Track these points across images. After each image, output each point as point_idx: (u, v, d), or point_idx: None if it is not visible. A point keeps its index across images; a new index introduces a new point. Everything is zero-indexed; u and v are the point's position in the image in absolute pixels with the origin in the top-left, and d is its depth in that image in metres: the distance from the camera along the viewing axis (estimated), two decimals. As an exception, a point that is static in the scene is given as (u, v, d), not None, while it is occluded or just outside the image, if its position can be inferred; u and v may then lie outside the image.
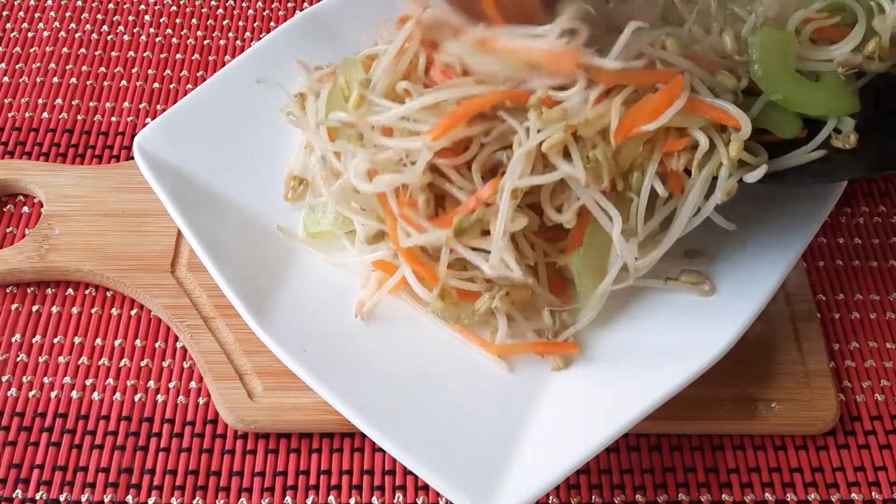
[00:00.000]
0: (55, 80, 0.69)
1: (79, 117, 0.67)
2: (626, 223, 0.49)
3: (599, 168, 0.48)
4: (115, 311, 0.57)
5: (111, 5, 0.74)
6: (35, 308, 0.57)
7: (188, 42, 0.72)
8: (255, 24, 0.74)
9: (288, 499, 0.51)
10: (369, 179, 0.50)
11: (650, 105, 0.48)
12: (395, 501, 0.51)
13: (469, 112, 0.48)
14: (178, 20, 0.73)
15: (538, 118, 0.47)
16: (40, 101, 0.67)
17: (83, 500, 0.50)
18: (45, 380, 0.54)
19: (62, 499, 0.50)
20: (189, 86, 0.69)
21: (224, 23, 0.74)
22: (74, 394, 0.54)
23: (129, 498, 0.51)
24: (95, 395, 0.54)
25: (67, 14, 0.73)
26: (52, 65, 0.69)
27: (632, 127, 0.47)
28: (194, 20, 0.74)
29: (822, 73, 0.51)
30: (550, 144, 0.47)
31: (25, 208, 0.62)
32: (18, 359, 0.55)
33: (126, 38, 0.72)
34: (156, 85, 0.69)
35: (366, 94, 0.51)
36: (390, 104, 0.50)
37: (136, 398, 0.54)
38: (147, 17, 0.73)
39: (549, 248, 0.53)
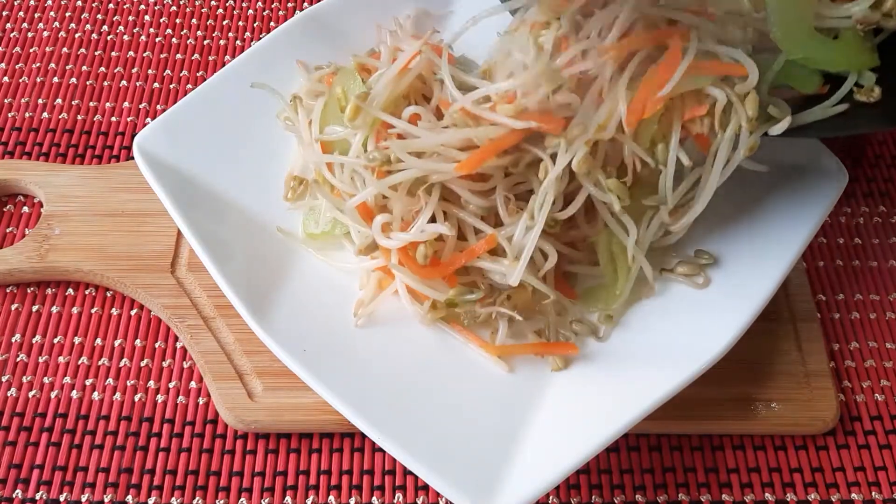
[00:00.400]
0: (55, 80, 0.69)
1: (79, 117, 0.67)
2: (656, 194, 0.51)
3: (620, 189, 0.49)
4: (115, 311, 0.57)
5: (111, 5, 0.74)
6: (35, 308, 0.57)
7: (188, 42, 0.72)
8: (255, 24, 0.74)
9: (288, 499, 0.51)
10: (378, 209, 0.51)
11: (655, 79, 0.48)
12: (395, 501, 0.51)
13: (500, 147, 0.49)
14: (178, 20, 0.73)
15: (567, 141, 0.48)
16: (40, 101, 0.67)
17: (83, 500, 0.50)
18: (45, 380, 0.54)
19: (62, 499, 0.50)
20: (189, 86, 0.69)
21: (224, 23, 0.74)
22: (74, 394, 0.54)
23: (129, 498, 0.51)
24: (95, 395, 0.54)
25: (67, 14, 0.73)
26: (52, 65, 0.69)
27: (642, 108, 0.48)
28: (194, 20, 0.74)
29: (840, 30, 0.51)
30: (580, 162, 0.48)
31: (25, 208, 0.62)
32: (18, 359, 0.55)
33: (126, 38, 0.72)
34: (156, 85, 0.69)
35: (363, 106, 0.51)
36: (414, 129, 0.50)
37: (136, 398, 0.54)
38: (147, 17, 0.73)
39: (561, 246, 0.53)
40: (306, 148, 0.56)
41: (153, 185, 0.53)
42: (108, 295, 0.58)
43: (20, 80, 0.68)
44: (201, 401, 0.54)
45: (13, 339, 0.56)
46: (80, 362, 0.55)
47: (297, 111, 0.58)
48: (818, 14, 0.51)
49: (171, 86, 0.69)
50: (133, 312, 0.57)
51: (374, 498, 0.51)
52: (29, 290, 0.58)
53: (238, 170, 0.57)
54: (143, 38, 0.72)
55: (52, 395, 0.54)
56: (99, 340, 0.56)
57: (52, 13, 0.73)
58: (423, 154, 0.50)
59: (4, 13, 0.73)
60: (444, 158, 0.49)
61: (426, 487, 0.51)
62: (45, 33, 0.71)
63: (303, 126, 0.57)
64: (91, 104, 0.67)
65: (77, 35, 0.72)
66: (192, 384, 0.55)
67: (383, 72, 0.53)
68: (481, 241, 0.50)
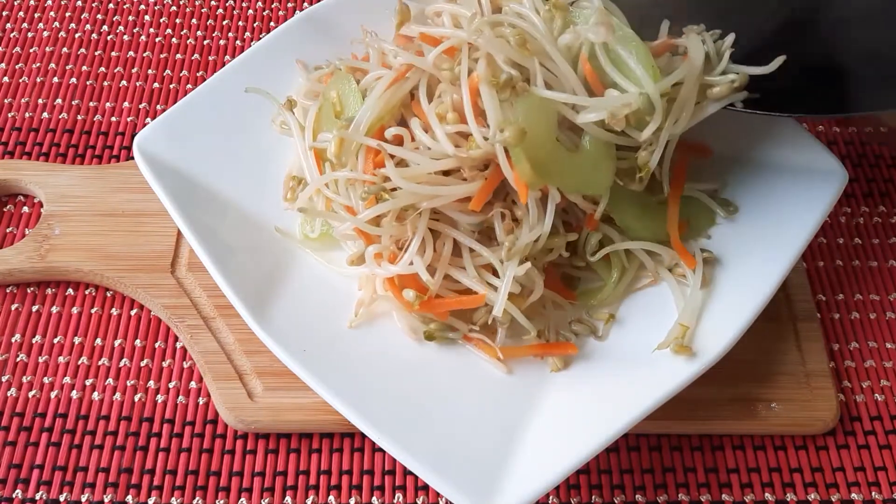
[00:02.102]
0: (55, 80, 0.69)
1: (79, 117, 0.67)
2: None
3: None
4: (115, 311, 0.57)
5: (111, 5, 0.74)
6: (35, 308, 0.57)
7: (188, 42, 0.72)
8: (255, 24, 0.74)
9: (288, 499, 0.51)
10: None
11: None
12: (395, 501, 0.51)
13: (494, 184, 0.50)
14: (178, 20, 0.73)
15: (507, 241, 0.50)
16: (40, 101, 0.67)
17: (83, 500, 0.50)
18: (45, 380, 0.54)
19: (62, 499, 0.50)
20: (189, 86, 0.69)
21: (224, 23, 0.74)
22: (74, 394, 0.54)
23: (129, 498, 0.51)
24: (95, 395, 0.54)
25: (67, 14, 0.73)
26: (52, 65, 0.69)
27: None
28: (194, 20, 0.74)
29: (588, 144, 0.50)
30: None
31: (25, 208, 0.62)
32: (18, 359, 0.55)
33: (126, 38, 0.72)
34: (156, 85, 0.69)
35: (346, 136, 0.51)
36: (408, 153, 0.50)
37: (136, 398, 0.54)
38: (147, 17, 0.73)
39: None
40: (304, 163, 0.56)
41: (153, 185, 0.53)
42: (108, 295, 0.58)
43: (20, 80, 0.68)
44: (201, 401, 0.54)
45: (13, 339, 0.56)
46: (80, 362, 0.55)
47: (291, 115, 0.58)
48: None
49: (171, 86, 0.69)
50: (133, 312, 0.57)
51: (374, 498, 0.51)
52: (29, 290, 0.58)
53: (238, 170, 0.57)
54: (143, 38, 0.72)
55: (52, 395, 0.54)
56: (99, 340, 0.56)
57: (52, 13, 0.73)
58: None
59: (4, 13, 0.73)
60: (433, 181, 0.49)
61: (426, 487, 0.51)
62: (45, 33, 0.71)
63: (296, 132, 0.57)
64: (91, 104, 0.67)
65: (77, 35, 0.72)
66: (192, 384, 0.55)
67: (370, 78, 0.53)
68: (467, 298, 0.51)
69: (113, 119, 0.67)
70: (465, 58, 0.49)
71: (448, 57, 0.50)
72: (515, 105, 0.48)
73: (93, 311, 0.57)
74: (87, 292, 0.58)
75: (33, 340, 0.56)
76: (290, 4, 0.75)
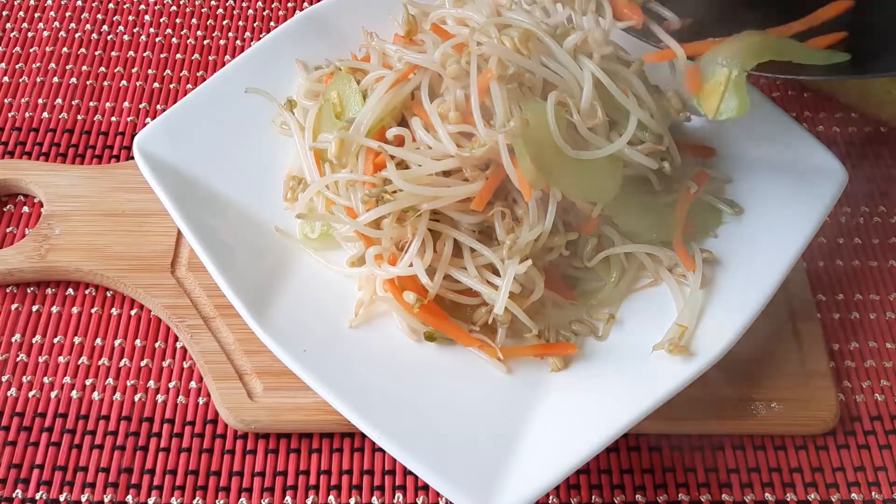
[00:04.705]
0: (55, 80, 0.69)
1: (79, 117, 0.67)
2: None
3: None
4: (115, 311, 0.57)
5: (111, 5, 0.74)
6: (35, 308, 0.57)
7: (188, 42, 0.72)
8: (255, 24, 0.74)
9: (288, 499, 0.51)
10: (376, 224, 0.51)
11: None
12: (395, 501, 0.51)
13: (496, 182, 0.50)
14: (178, 20, 0.73)
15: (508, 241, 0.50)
16: (40, 101, 0.67)
17: (83, 500, 0.50)
18: (45, 380, 0.54)
19: (62, 499, 0.50)
20: (189, 86, 0.69)
21: (224, 23, 0.74)
22: (74, 394, 0.54)
23: (129, 498, 0.51)
24: (95, 395, 0.54)
25: (67, 14, 0.73)
26: (52, 65, 0.69)
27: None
28: (194, 20, 0.73)
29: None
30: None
31: (25, 208, 0.62)
32: (18, 359, 0.55)
33: (126, 38, 0.72)
34: (156, 85, 0.69)
35: (346, 137, 0.51)
36: (411, 154, 0.50)
37: (136, 398, 0.54)
38: (147, 17, 0.73)
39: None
40: (305, 166, 0.56)
41: (153, 185, 0.53)
42: (108, 295, 0.58)
43: (20, 80, 0.68)
44: (201, 401, 0.54)
45: (13, 339, 0.56)
46: (80, 362, 0.55)
47: (291, 116, 0.58)
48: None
49: (171, 86, 0.69)
50: (133, 312, 0.57)
51: (374, 498, 0.51)
52: (29, 290, 0.58)
53: (238, 169, 0.57)
54: (143, 38, 0.72)
55: (52, 395, 0.54)
56: (99, 340, 0.56)
57: (52, 13, 0.73)
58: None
59: (4, 13, 0.73)
60: (434, 182, 0.49)
61: (426, 487, 0.51)
62: (45, 33, 0.71)
63: (296, 132, 0.57)
64: (91, 104, 0.67)
65: (77, 35, 0.72)
66: (192, 384, 0.55)
67: (371, 79, 0.53)
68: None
69: (113, 119, 0.67)
70: (474, 52, 0.49)
71: (454, 53, 0.50)
72: (524, 106, 0.48)
73: (93, 310, 0.57)
74: (87, 292, 0.58)
75: (33, 340, 0.56)
76: (290, 4, 0.75)
